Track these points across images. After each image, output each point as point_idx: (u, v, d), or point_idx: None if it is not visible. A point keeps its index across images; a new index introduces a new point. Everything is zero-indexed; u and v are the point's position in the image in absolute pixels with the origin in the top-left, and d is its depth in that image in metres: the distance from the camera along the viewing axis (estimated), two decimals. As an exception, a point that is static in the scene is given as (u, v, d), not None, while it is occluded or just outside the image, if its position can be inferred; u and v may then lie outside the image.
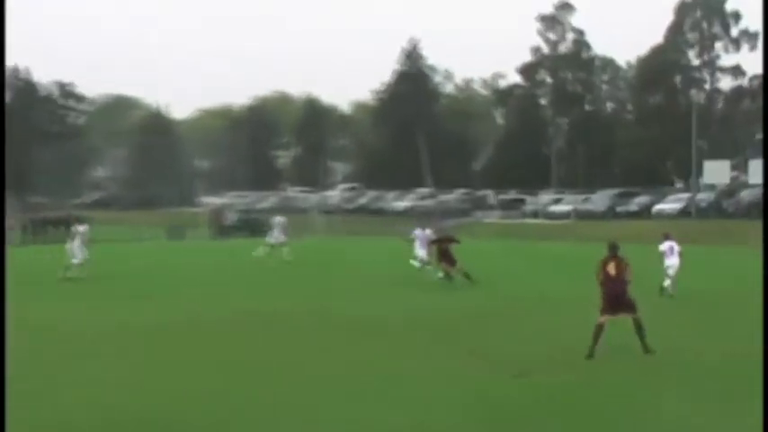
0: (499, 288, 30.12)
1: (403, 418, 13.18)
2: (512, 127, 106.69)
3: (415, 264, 34.03)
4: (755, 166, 73.58)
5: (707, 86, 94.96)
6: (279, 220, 43.49)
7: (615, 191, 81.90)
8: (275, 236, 42.56)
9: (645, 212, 75.88)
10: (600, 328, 17.66)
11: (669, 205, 76.09)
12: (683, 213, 73.91)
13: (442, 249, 32.10)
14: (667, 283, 27.46)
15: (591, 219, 72.60)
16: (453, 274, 31.34)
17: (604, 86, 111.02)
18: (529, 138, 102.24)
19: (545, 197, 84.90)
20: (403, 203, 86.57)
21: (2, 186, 26.44)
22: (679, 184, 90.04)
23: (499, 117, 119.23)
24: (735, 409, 13.64)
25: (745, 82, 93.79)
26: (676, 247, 27.98)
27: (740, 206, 71.43)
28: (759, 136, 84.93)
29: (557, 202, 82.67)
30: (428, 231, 35.05)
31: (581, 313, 21.01)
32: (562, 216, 76.82)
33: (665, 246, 28.16)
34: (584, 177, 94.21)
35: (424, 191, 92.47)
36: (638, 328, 17.91)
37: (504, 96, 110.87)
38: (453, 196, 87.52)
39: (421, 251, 34.01)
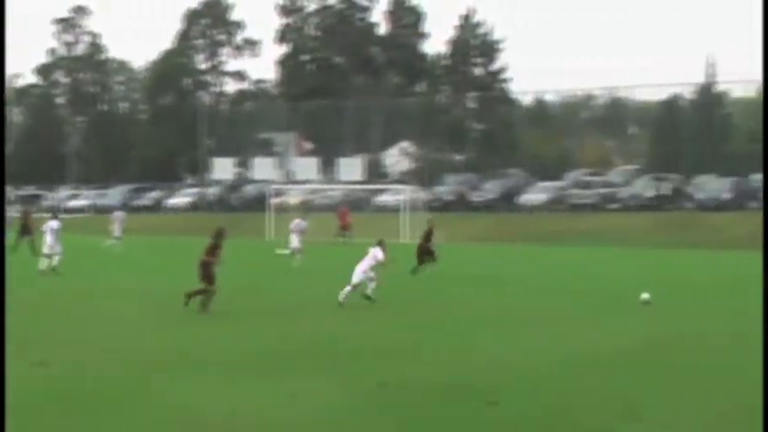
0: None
1: None
2: (29, 125, 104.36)
3: None
4: (258, 163, 77.87)
5: (214, 89, 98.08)
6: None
7: (130, 186, 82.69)
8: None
9: (157, 206, 77.49)
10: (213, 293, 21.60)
11: (180, 199, 77.98)
12: (193, 207, 76.37)
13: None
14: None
15: (108, 212, 72.69)
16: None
17: (120, 87, 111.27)
18: (45, 136, 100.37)
19: (63, 193, 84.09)
20: None
21: (2, 185, 23.80)
22: (189, 180, 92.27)
23: (17, 115, 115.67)
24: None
25: (246, 86, 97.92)
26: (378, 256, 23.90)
27: (244, 200, 74.82)
28: (263, 135, 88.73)
29: (74, 197, 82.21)
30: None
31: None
32: (78, 210, 76.61)
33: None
34: (100, 174, 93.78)
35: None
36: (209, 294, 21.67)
37: (20, 96, 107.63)
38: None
39: None
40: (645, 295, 23.69)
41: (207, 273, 21.81)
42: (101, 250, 44.07)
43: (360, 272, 23.32)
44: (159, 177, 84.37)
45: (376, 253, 23.59)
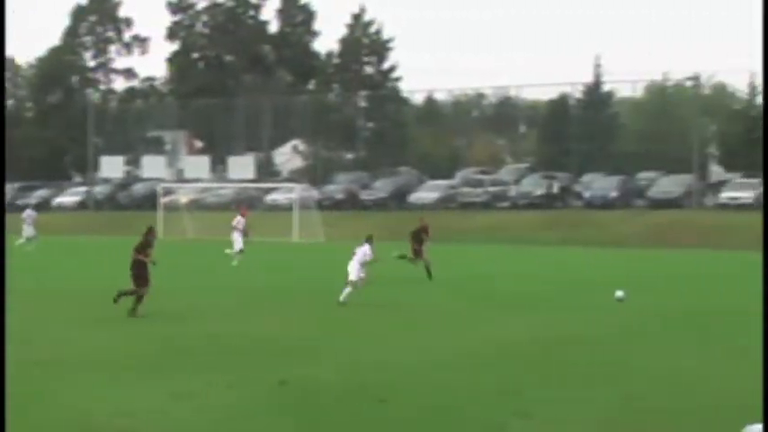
0: None
1: None
2: None
3: None
4: (148, 162, 76.76)
5: (102, 87, 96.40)
6: None
7: (16, 185, 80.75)
8: None
9: (45, 205, 75.75)
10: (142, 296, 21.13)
11: (68, 198, 76.67)
12: (82, 206, 75.05)
13: None
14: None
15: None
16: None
17: (6, 84, 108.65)
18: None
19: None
20: None
21: (2, 183, 22.31)
22: (78, 179, 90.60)
23: None
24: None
25: (136, 83, 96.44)
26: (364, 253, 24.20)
27: (133, 198, 73.84)
28: (152, 133, 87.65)
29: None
30: None
31: None
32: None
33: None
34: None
35: None
36: (139, 297, 21.10)
37: None
38: None
39: None
40: (619, 293, 23.74)
41: (140, 272, 21.26)
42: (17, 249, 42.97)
43: (354, 270, 23.56)
44: (47, 176, 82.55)
45: (365, 250, 23.72)
